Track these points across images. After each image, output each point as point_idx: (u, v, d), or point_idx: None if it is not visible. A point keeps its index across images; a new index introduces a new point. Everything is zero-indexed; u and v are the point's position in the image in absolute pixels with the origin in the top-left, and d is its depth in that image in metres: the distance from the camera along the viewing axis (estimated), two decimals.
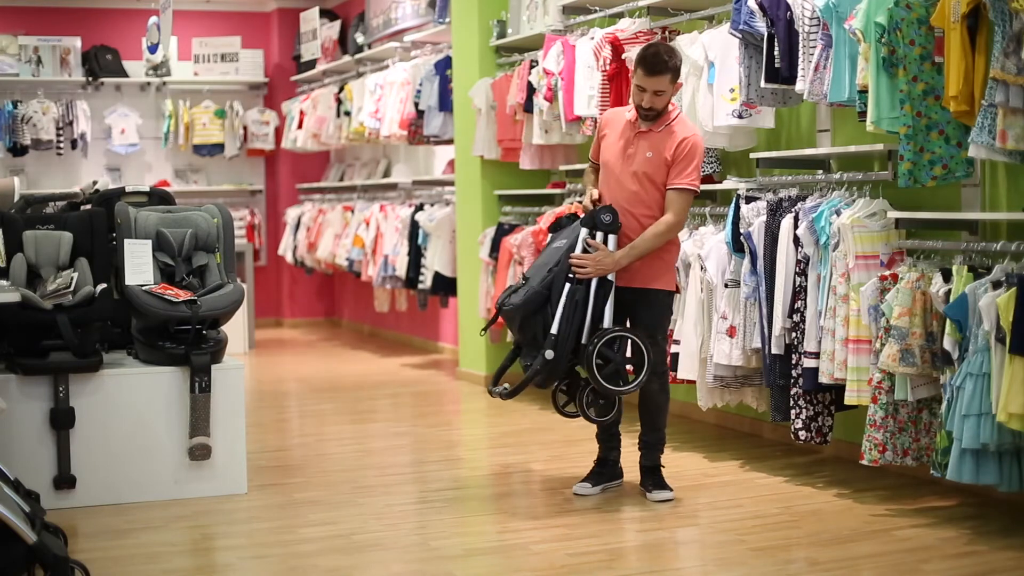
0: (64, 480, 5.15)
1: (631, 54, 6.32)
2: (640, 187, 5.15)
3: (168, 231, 5.55)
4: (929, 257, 5.11)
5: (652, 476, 5.28)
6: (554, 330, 5.03)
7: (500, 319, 5.35)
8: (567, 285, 5.07)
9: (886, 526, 4.75)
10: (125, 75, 12.20)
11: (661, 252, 5.18)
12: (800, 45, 5.39)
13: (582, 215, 5.26)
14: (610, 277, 5.11)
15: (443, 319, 10.34)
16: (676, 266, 5.40)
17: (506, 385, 5.19)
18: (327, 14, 12.05)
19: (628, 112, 5.29)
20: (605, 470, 5.38)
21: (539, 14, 7.90)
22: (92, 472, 5.20)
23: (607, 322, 5.10)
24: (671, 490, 5.22)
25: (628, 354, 5.11)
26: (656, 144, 5.14)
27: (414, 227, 9.40)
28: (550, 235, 5.53)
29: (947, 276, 4.78)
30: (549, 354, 5.01)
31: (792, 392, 5.49)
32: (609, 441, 5.41)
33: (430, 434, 6.98)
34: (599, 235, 5.12)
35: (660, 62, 5.07)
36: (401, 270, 9.55)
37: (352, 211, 10.85)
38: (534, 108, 7.51)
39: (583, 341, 5.06)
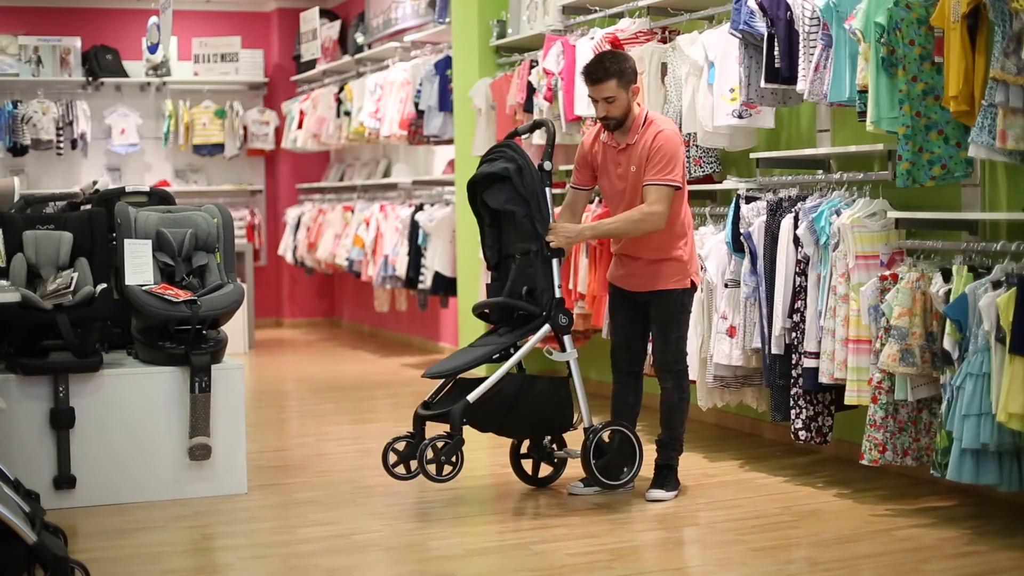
0: (64, 480, 5.15)
1: (631, 54, 6.32)
2: (639, 203, 5.14)
3: (168, 231, 5.55)
4: (929, 257, 5.11)
5: (658, 474, 5.28)
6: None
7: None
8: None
9: (886, 526, 4.75)
10: (125, 75, 12.20)
11: (674, 252, 5.18)
12: (800, 45, 5.39)
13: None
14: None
15: (443, 319, 10.34)
16: (697, 262, 5.38)
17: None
18: (327, 14, 12.05)
19: (603, 135, 5.26)
20: None
21: (539, 14, 7.90)
22: (92, 472, 5.20)
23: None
24: (672, 493, 5.21)
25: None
26: (637, 156, 5.12)
27: (414, 227, 9.40)
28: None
29: (947, 276, 4.78)
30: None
31: (792, 392, 5.49)
32: None
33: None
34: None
35: (599, 69, 5.08)
36: (401, 270, 9.55)
37: (352, 211, 10.85)
38: (534, 108, 7.51)
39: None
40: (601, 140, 5.26)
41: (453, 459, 4.98)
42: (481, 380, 5.07)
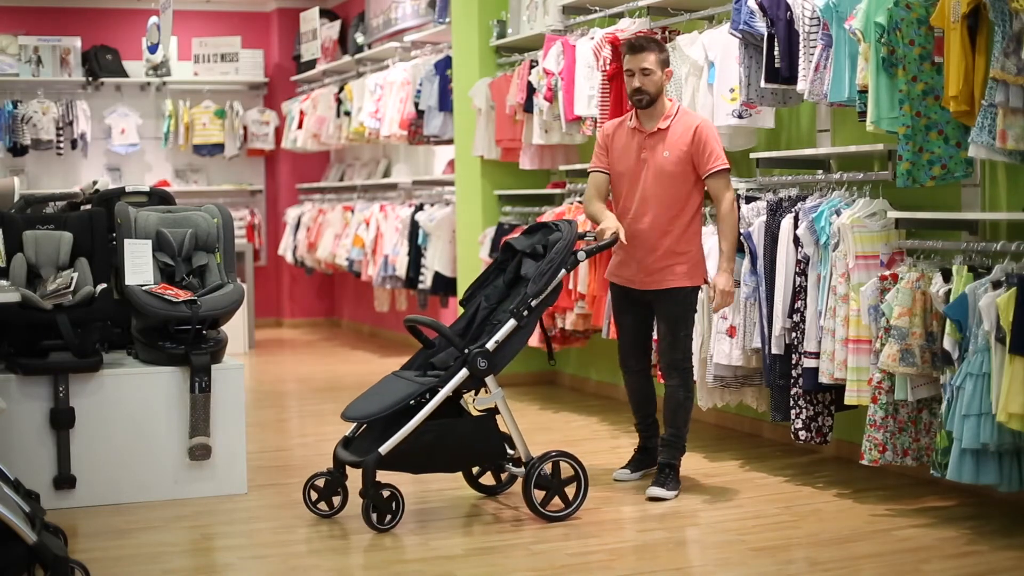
0: (64, 480, 5.15)
1: None
2: (664, 187, 5.24)
3: (168, 231, 5.55)
4: (929, 257, 5.11)
5: (660, 473, 5.31)
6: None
7: (558, 343, 5.17)
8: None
9: (886, 526, 4.75)
10: (125, 75, 12.20)
11: (691, 247, 5.28)
12: (800, 45, 5.40)
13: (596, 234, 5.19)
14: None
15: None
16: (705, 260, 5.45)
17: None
18: (327, 14, 12.05)
19: (629, 120, 5.39)
20: (646, 457, 5.53)
21: (539, 14, 7.90)
22: (92, 472, 5.20)
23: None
24: (672, 492, 5.22)
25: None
26: (670, 142, 5.24)
27: (414, 227, 9.40)
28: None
29: (947, 276, 4.78)
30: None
31: (792, 392, 5.49)
32: (647, 431, 5.54)
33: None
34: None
35: (644, 40, 5.31)
36: (401, 270, 9.55)
37: (352, 211, 10.85)
38: (534, 108, 7.51)
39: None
40: (627, 125, 5.38)
41: (391, 509, 4.80)
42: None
